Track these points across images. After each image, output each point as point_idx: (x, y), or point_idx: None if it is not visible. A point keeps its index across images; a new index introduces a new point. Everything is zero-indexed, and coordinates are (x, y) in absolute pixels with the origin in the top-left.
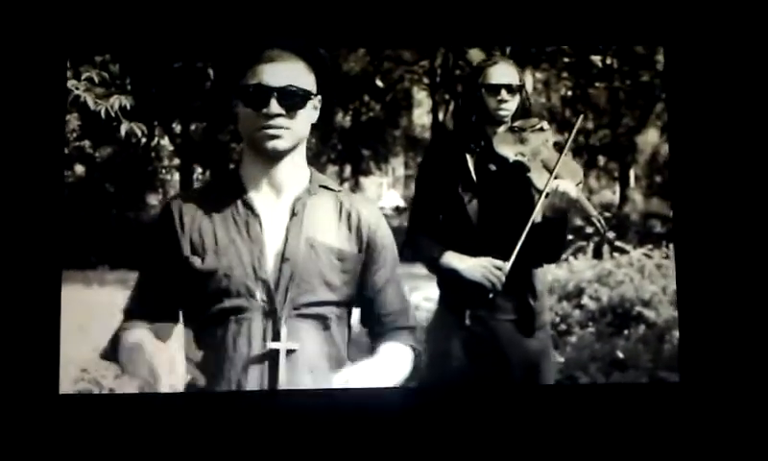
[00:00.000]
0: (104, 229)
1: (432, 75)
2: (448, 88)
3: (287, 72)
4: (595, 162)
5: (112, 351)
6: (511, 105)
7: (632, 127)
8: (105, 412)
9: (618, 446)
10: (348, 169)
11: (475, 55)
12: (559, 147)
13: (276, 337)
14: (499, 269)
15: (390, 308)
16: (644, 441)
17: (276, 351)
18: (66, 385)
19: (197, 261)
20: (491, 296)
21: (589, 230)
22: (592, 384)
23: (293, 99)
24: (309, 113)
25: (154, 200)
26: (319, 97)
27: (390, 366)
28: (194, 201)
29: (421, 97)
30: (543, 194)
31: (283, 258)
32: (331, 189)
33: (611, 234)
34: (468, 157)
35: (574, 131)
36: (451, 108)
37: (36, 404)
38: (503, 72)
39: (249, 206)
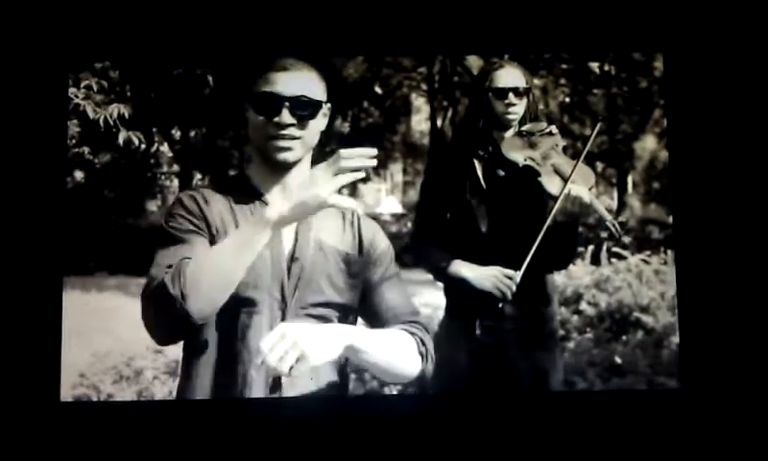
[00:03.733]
0: (103, 235)
1: (430, 82)
2: (447, 95)
3: (300, 82)
4: (593, 168)
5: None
6: (518, 108)
7: (630, 133)
8: (105, 420)
9: (618, 452)
10: None
11: (474, 61)
12: (570, 152)
13: None
14: (510, 278)
15: (387, 306)
16: (644, 447)
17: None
18: (64, 390)
19: None
20: (500, 305)
21: (604, 234)
22: (592, 391)
23: (305, 109)
24: (319, 122)
25: (153, 206)
26: (329, 105)
27: (384, 339)
28: (212, 190)
29: (420, 103)
30: (559, 199)
31: (293, 258)
32: None
33: (625, 240)
34: (476, 162)
35: (593, 135)
36: (449, 114)
37: (37, 412)
38: (510, 75)
39: (265, 204)
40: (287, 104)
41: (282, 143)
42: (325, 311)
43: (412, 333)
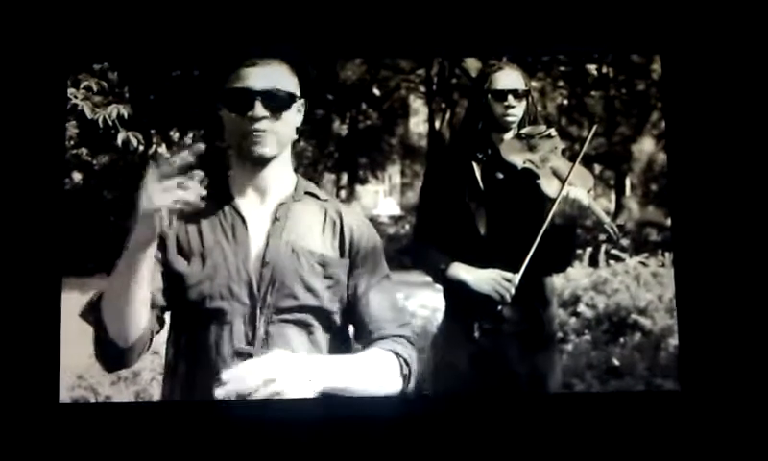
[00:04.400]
0: (101, 236)
1: (428, 84)
2: (445, 97)
3: (270, 75)
4: (591, 171)
5: (92, 310)
6: (518, 111)
7: (627, 135)
8: (103, 421)
9: (616, 455)
10: (344, 177)
11: (472, 64)
12: (568, 154)
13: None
14: (508, 281)
15: (374, 316)
16: (643, 450)
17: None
18: (63, 392)
19: (182, 264)
20: (499, 308)
21: (602, 236)
22: (590, 392)
23: (277, 101)
24: (294, 116)
25: None
26: (303, 100)
27: (364, 367)
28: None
29: (418, 105)
30: (557, 201)
31: (263, 263)
32: (317, 197)
33: (623, 242)
34: (474, 165)
35: (589, 137)
36: (448, 116)
37: (35, 414)
38: (509, 77)
39: (235, 210)
40: (259, 97)
41: (257, 137)
42: (302, 316)
43: (397, 355)
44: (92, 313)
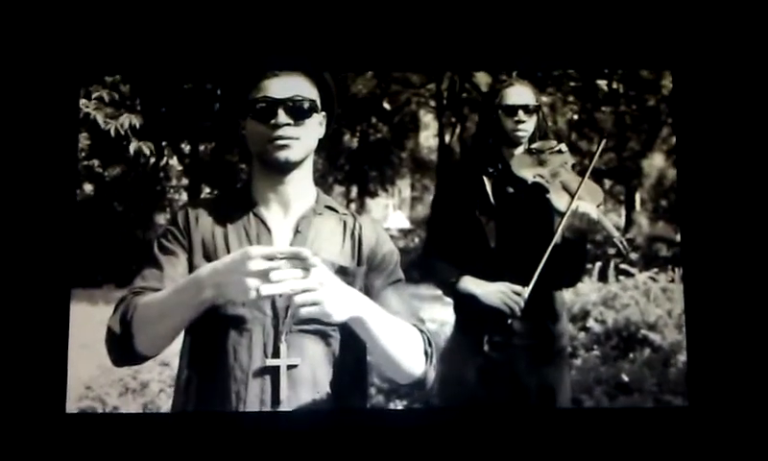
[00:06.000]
0: (111, 247)
1: (439, 98)
2: (455, 111)
3: (292, 84)
4: (601, 186)
5: (123, 320)
6: (528, 126)
7: (638, 151)
8: (110, 432)
9: None
10: (354, 190)
11: (482, 78)
12: (578, 169)
13: (277, 352)
14: (518, 294)
15: (392, 310)
16: None
17: (277, 367)
18: (70, 403)
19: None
20: (509, 321)
21: (611, 250)
22: (599, 407)
23: (300, 109)
24: (316, 127)
25: (161, 219)
26: (324, 113)
27: (394, 325)
28: (205, 208)
29: (428, 120)
30: (566, 215)
31: None
32: (336, 211)
33: (632, 257)
34: (485, 179)
35: (598, 151)
36: (458, 130)
37: (43, 423)
38: (520, 93)
39: (261, 220)
40: (282, 105)
41: (281, 142)
42: (321, 326)
43: (421, 331)
44: (121, 325)
